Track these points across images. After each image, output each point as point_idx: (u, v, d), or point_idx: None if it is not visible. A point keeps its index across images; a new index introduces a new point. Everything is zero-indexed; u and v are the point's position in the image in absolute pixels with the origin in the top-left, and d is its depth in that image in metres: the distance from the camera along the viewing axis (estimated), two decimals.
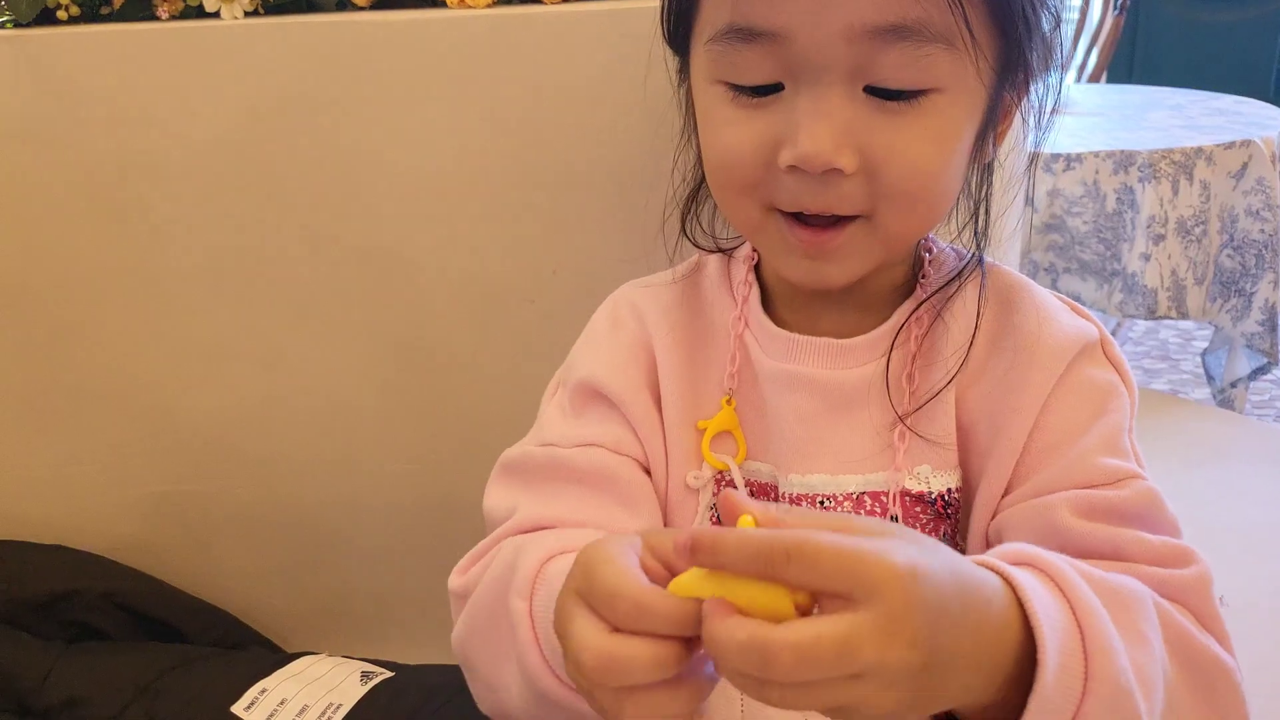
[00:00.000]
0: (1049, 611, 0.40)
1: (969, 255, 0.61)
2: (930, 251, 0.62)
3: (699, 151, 0.61)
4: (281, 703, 0.84)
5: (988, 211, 0.60)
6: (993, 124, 0.56)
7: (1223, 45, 4.61)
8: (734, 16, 0.51)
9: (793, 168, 0.51)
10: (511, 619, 0.51)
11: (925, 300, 0.59)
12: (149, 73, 0.91)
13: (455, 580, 0.59)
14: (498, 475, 0.63)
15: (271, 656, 0.93)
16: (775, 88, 0.51)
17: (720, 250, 0.66)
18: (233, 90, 0.90)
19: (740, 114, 0.53)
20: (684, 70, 0.60)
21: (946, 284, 0.59)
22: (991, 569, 0.41)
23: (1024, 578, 0.41)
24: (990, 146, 0.57)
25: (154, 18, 0.94)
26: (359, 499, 1.01)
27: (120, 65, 0.91)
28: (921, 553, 0.37)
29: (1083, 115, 1.97)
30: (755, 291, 0.62)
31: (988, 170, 0.59)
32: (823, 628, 0.35)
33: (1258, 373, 1.86)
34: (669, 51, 0.61)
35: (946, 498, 0.57)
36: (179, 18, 0.94)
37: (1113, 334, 2.13)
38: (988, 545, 0.56)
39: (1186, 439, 1.56)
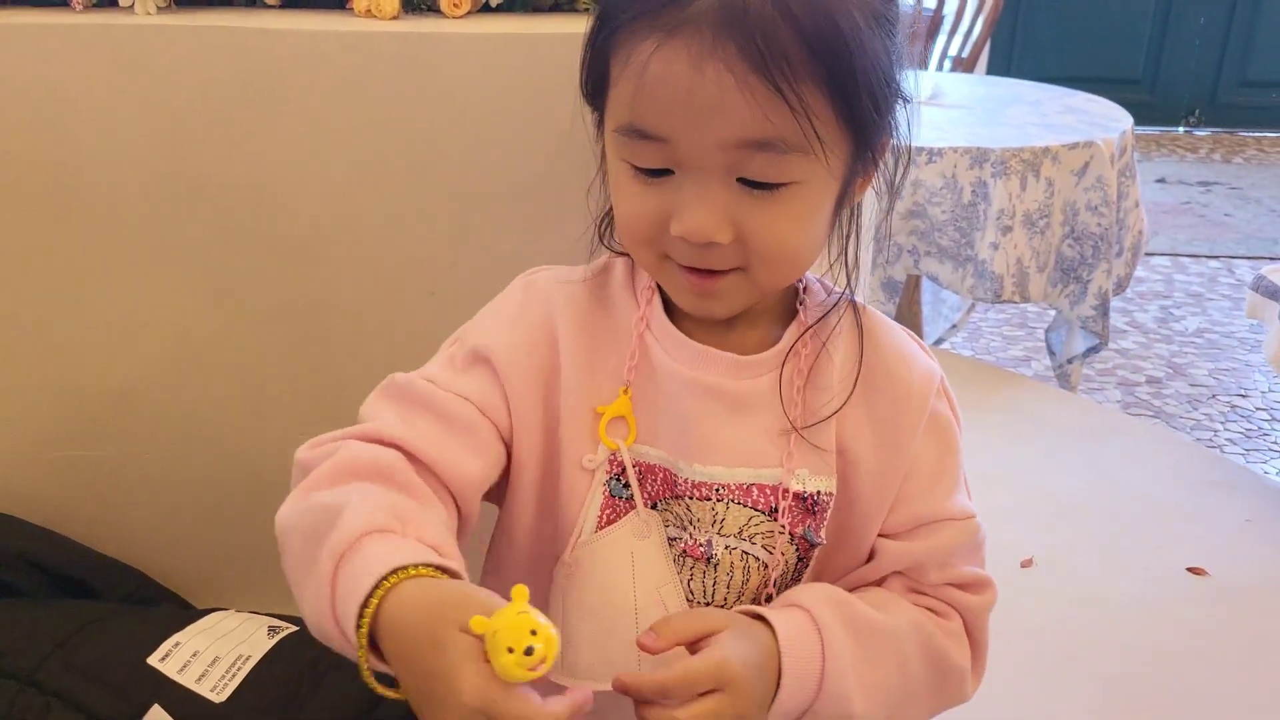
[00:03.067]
0: (795, 636, 0.64)
1: (835, 290, 0.73)
2: (802, 281, 0.73)
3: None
4: (194, 655, 0.92)
5: (856, 256, 0.71)
6: (850, 191, 0.67)
7: (1098, 23, 4.87)
8: (632, 118, 0.61)
9: (681, 237, 0.62)
10: (318, 570, 0.57)
11: (809, 328, 0.71)
12: (64, 65, 0.95)
13: (302, 453, 0.67)
14: (380, 390, 0.71)
15: (183, 612, 1.01)
16: (667, 171, 0.62)
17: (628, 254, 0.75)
18: (147, 85, 0.95)
19: (640, 188, 0.63)
20: (600, 126, 0.69)
21: (825, 316, 0.71)
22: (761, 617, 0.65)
23: (782, 621, 0.65)
24: (852, 199, 0.69)
25: (66, 6, 0.98)
26: (263, 466, 1.08)
27: (35, 56, 0.95)
28: (738, 642, 0.62)
29: (949, 108, 2.12)
30: (658, 298, 0.72)
31: (856, 213, 0.71)
32: (707, 706, 0.59)
33: (1091, 351, 2.05)
34: (585, 105, 0.70)
35: (817, 498, 0.69)
36: (93, 8, 0.98)
37: (972, 307, 2.30)
38: (870, 555, 0.73)
39: (1023, 414, 1.74)
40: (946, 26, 3.42)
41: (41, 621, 0.94)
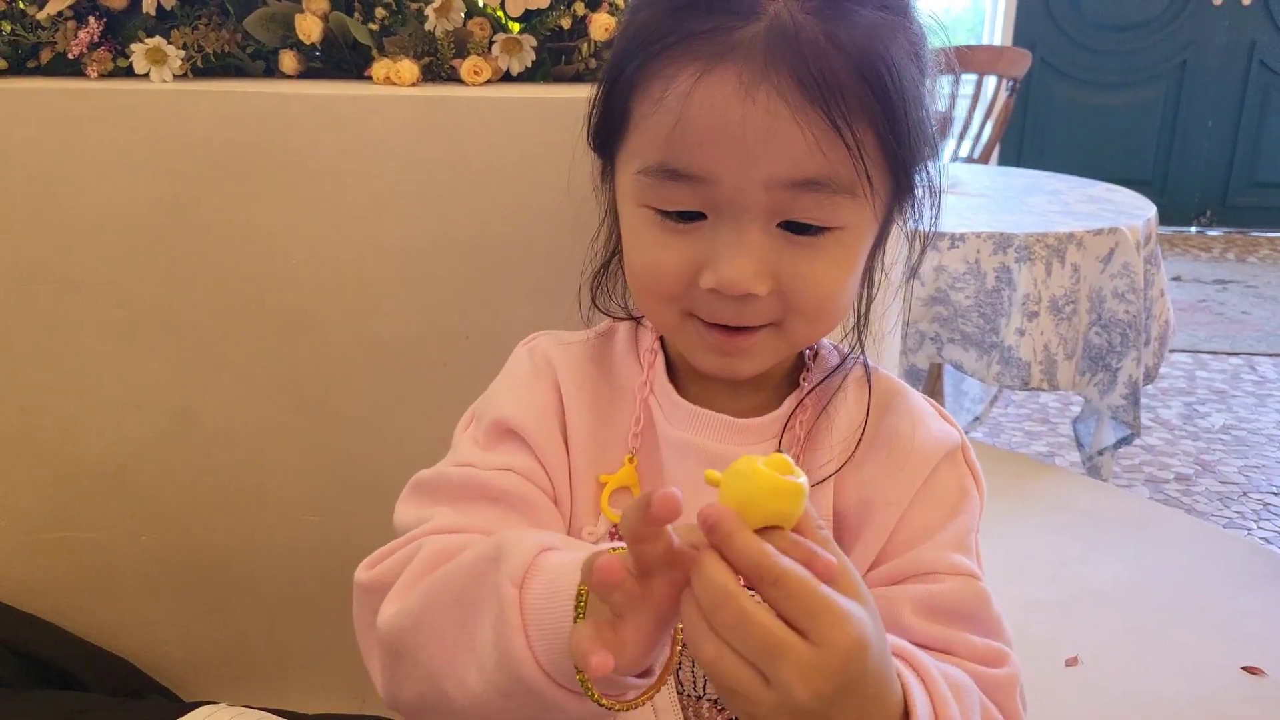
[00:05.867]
0: (924, 708, 0.49)
1: (849, 354, 0.68)
2: (812, 348, 0.69)
3: (608, 233, 0.68)
4: None
5: (867, 313, 0.67)
6: (883, 241, 0.63)
7: (1107, 126, 4.92)
8: (667, 158, 0.56)
9: (714, 289, 0.57)
10: (500, 602, 0.51)
11: (809, 392, 0.66)
12: (74, 130, 0.92)
13: (364, 574, 0.61)
14: (410, 493, 0.66)
15: (171, 705, 0.94)
16: (698, 215, 0.57)
17: (631, 318, 0.71)
18: (156, 152, 0.93)
19: (666, 237, 0.58)
20: (606, 172, 0.65)
21: (827, 379, 0.66)
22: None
23: (913, 683, 0.50)
24: (880, 257, 0.65)
25: (82, 75, 0.96)
26: (262, 548, 1.03)
27: (44, 122, 0.92)
28: (876, 636, 0.45)
29: (968, 196, 2.10)
30: (661, 360, 0.67)
31: (868, 277, 0.66)
32: (772, 622, 0.42)
33: (1122, 442, 1.99)
34: (590, 152, 0.67)
35: None
36: (108, 77, 0.97)
37: (994, 400, 2.24)
38: None
39: (1056, 504, 1.67)
40: (956, 130, 3.45)
41: (23, 714, 0.88)
